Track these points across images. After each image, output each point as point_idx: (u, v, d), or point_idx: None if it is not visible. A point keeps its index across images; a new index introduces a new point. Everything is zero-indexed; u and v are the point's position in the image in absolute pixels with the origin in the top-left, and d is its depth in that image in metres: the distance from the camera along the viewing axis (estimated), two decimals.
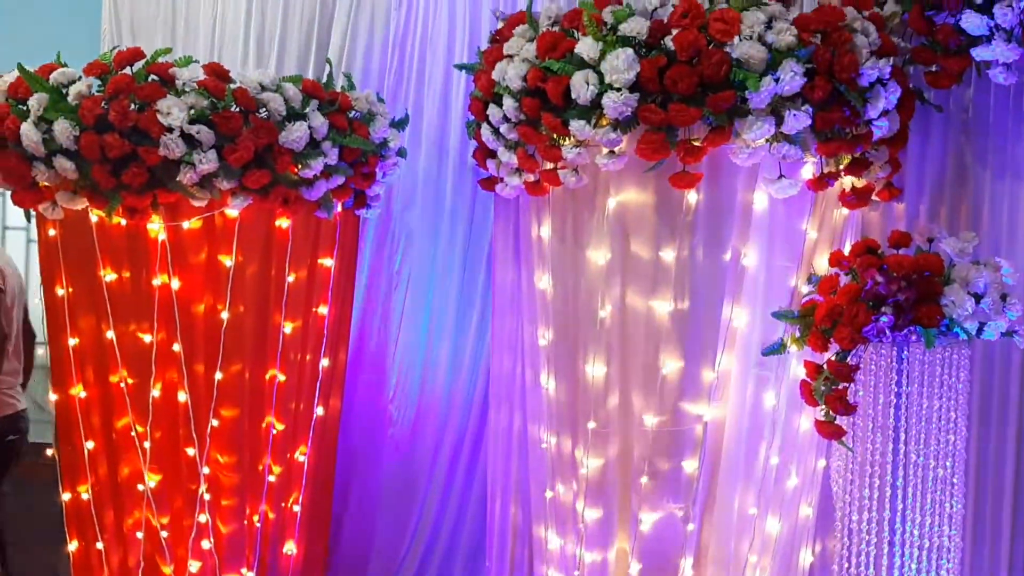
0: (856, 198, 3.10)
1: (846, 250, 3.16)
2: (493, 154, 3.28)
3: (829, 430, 3.05)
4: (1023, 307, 3.05)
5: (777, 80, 2.74)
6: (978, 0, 2.84)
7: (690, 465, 3.17)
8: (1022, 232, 3.30)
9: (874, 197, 3.25)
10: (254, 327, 3.27)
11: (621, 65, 2.77)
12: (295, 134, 3.04)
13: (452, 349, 3.74)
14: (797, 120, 2.80)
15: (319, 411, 3.48)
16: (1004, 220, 3.32)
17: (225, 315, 3.22)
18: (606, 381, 3.19)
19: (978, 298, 2.93)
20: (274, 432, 3.38)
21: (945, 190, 3.35)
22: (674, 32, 2.77)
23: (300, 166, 3.10)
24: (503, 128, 3.13)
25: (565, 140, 2.99)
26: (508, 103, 3.05)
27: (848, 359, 3.00)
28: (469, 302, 3.74)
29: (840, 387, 3.01)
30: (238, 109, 3.03)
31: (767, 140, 2.87)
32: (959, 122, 3.33)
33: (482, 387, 3.71)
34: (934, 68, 3.10)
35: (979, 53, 2.95)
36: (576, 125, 2.90)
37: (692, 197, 3.04)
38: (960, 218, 3.34)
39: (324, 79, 3.44)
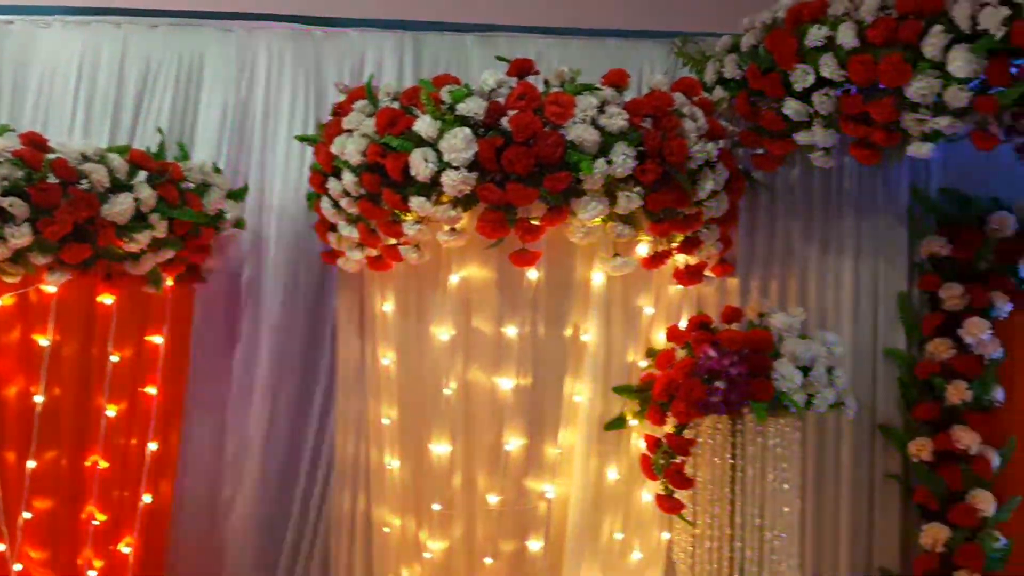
0: (689, 275, 3.19)
1: (682, 325, 3.25)
2: (334, 228, 3.21)
3: (668, 504, 3.09)
4: (849, 379, 3.21)
5: (610, 162, 2.80)
6: (798, 88, 2.99)
7: (535, 544, 3.12)
8: (847, 306, 3.46)
9: (708, 273, 3.35)
10: (72, 411, 3.06)
11: (459, 144, 2.78)
12: (119, 206, 2.89)
13: (292, 428, 3.58)
14: (629, 201, 2.86)
15: (147, 499, 3.26)
16: (829, 295, 3.47)
17: (39, 398, 3.00)
18: (450, 460, 3.13)
19: (806, 371, 3.05)
20: (95, 523, 3.14)
21: (775, 266, 3.48)
22: (511, 113, 2.80)
23: (125, 239, 2.95)
24: (343, 202, 3.07)
25: (406, 216, 2.96)
26: (348, 177, 3.00)
27: (685, 433, 3.06)
28: (313, 379, 3.59)
29: (678, 460, 3.06)
30: (57, 180, 2.86)
31: (602, 220, 2.93)
32: (786, 201, 3.48)
33: (324, 468, 3.56)
34: (761, 151, 3.25)
35: (800, 137, 3.11)
36: (416, 202, 2.87)
37: (533, 274, 3.05)
38: (789, 293, 3.47)
39: (156, 148, 3.29)
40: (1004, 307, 3.35)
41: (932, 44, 2.71)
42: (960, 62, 2.66)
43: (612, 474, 3.21)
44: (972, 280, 3.34)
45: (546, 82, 2.93)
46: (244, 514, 3.51)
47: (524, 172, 2.79)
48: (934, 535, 3.28)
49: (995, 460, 3.32)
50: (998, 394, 3.34)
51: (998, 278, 3.34)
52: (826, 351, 3.12)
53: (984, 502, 3.26)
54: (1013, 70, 2.62)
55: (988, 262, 3.34)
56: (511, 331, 3.07)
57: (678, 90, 3.04)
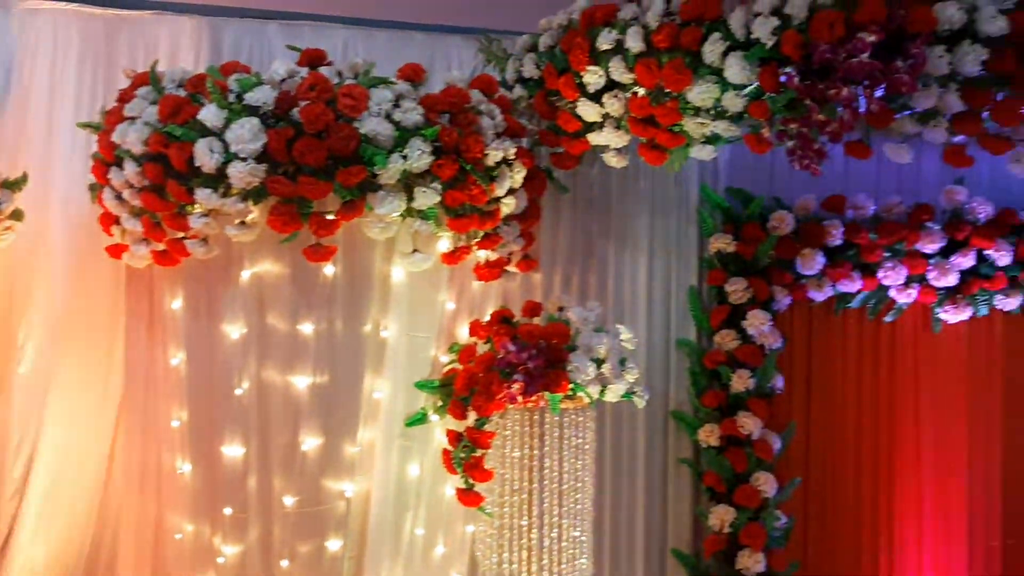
0: (489, 270, 3.22)
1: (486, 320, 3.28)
2: (118, 221, 3.03)
3: (468, 497, 3.11)
4: (643, 370, 3.34)
5: (405, 157, 2.79)
6: (591, 89, 3.08)
7: (334, 544, 3.07)
8: (642, 300, 3.60)
9: (512, 268, 3.40)
10: None
11: (246, 134, 2.69)
12: None
13: (79, 433, 3.35)
14: (427, 197, 2.86)
15: None
16: (626, 289, 3.60)
17: None
18: (244, 462, 3.03)
19: (600, 363, 3.15)
20: None
21: (576, 262, 3.57)
22: (302, 104, 2.74)
23: None
24: (126, 194, 2.91)
25: (192, 209, 2.83)
26: (130, 168, 2.84)
27: (485, 426, 3.09)
28: (98, 380, 3.37)
29: (478, 454, 3.09)
30: None
31: (400, 215, 2.91)
32: (586, 198, 3.58)
33: (116, 474, 3.36)
34: (559, 150, 3.33)
35: (594, 138, 3.20)
36: (202, 194, 2.76)
37: (329, 269, 3.00)
38: (590, 288, 3.57)
39: None
40: (784, 300, 3.58)
41: (711, 51, 2.84)
42: (735, 69, 2.80)
43: (414, 470, 3.20)
44: (755, 275, 3.55)
45: (339, 73, 2.88)
46: (28, 526, 3.26)
47: (316, 165, 2.73)
48: (721, 516, 3.46)
49: (777, 444, 3.55)
50: (778, 382, 3.58)
51: (779, 273, 3.56)
52: (619, 343, 3.24)
53: (766, 483, 3.48)
54: (783, 78, 2.78)
55: (770, 258, 3.56)
56: (307, 328, 3.01)
57: (476, 87, 3.07)
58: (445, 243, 3.09)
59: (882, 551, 3.69)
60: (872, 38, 2.64)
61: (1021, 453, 3.80)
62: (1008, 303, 3.71)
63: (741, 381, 3.49)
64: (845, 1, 2.68)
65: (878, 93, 2.73)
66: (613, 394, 3.17)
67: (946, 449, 3.74)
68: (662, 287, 3.62)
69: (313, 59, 2.85)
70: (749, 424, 3.47)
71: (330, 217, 2.83)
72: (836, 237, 3.53)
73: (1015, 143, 2.92)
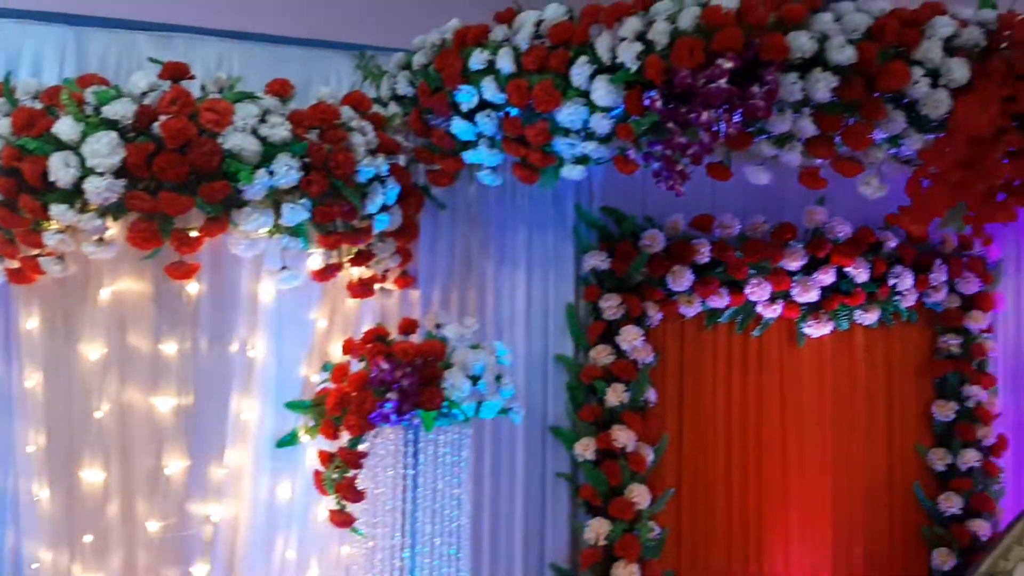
0: (362, 288, 3.20)
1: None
2: None
3: (340, 518, 3.07)
4: (520, 386, 3.37)
5: (272, 173, 2.75)
6: (464, 108, 3.10)
7: (200, 570, 2.99)
8: (521, 317, 3.63)
9: (390, 286, 3.39)
10: None
11: (103, 149, 2.60)
12: None
13: None
14: (295, 213, 2.82)
15: None
16: (505, 305, 3.63)
17: None
18: (104, 487, 2.92)
19: (476, 380, 3.16)
20: None
21: (455, 278, 3.58)
22: (163, 118, 2.67)
23: None
24: None
25: (47, 225, 2.73)
26: None
27: (359, 446, 3.06)
28: None
29: (350, 474, 3.06)
30: None
31: (268, 232, 2.86)
32: (465, 216, 3.60)
33: None
34: (435, 167, 3.34)
35: (468, 156, 3.22)
36: (57, 210, 2.66)
37: (194, 288, 2.93)
38: (469, 304, 3.59)
39: None
40: (656, 316, 3.68)
41: (578, 74, 2.91)
42: (601, 91, 2.87)
43: (285, 492, 3.15)
44: (629, 291, 3.63)
45: (203, 87, 2.83)
46: None
47: (178, 180, 2.67)
48: (596, 529, 3.52)
49: (650, 456, 3.63)
50: (651, 395, 3.66)
51: (651, 289, 3.65)
52: (495, 360, 3.26)
53: (640, 495, 3.55)
54: (647, 101, 2.86)
55: (642, 275, 3.64)
56: (170, 348, 2.93)
57: (347, 103, 3.05)
58: (316, 260, 3.05)
59: (751, 558, 3.81)
60: (729, 65, 2.75)
61: (880, 461, 3.98)
62: (867, 318, 3.89)
63: (616, 395, 3.56)
64: (704, 29, 2.79)
65: (736, 117, 2.85)
66: (490, 410, 3.19)
67: (811, 458, 3.89)
68: (540, 304, 3.67)
69: (175, 72, 2.78)
70: (623, 437, 3.54)
71: (193, 234, 2.76)
72: (704, 255, 3.64)
73: (865, 166, 3.08)
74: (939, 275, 3.92)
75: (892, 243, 3.87)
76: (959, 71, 2.85)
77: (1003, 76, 2.85)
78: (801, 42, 2.80)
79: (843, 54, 2.80)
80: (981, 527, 3.91)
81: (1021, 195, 3.07)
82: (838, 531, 3.90)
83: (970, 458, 3.95)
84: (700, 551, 3.77)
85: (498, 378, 3.24)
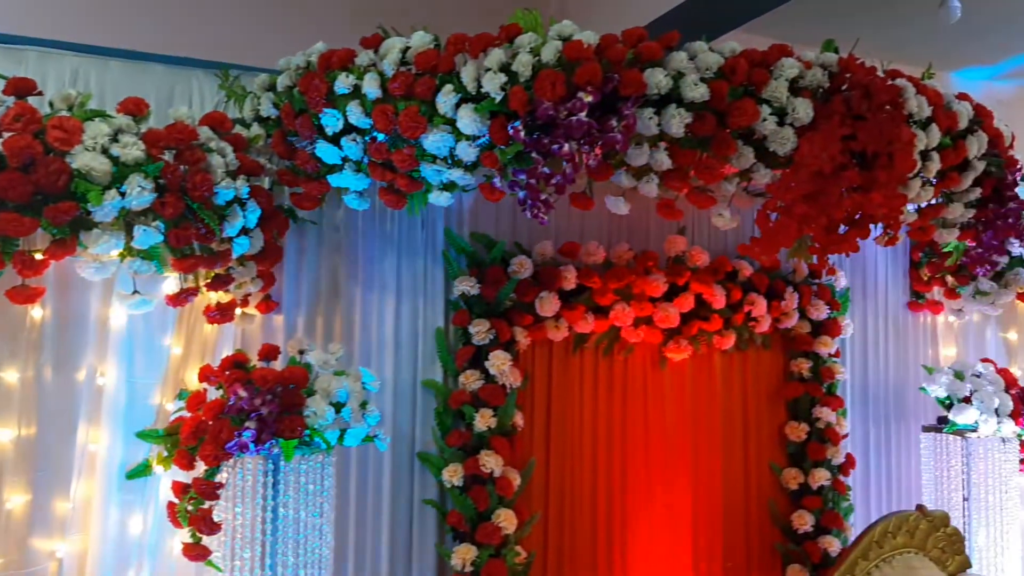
0: (220, 313, 3.12)
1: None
2: None
3: (195, 552, 2.97)
4: (388, 412, 3.33)
5: (123, 194, 2.66)
6: (329, 131, 3.08)
7: None
8: (390, 342, 3.61)
9: (251, 311, 3.31)
10: None
11: None
12: None
13: None
14: (147, 236, 2.73)
15: None
16: (373, 331, 3.60)
17: None
18: None
19: (339, 407, 3.12)
20: None
21: (321, 303, 3.53)
22: (5, 136, 2.54)
23: None
24: None
25: None
26: None
27: (215, 477, 2.96)
28: None
29: (206, 506, 2.96)
30: None
31: (119, 254, 2.76)
32: (333, 240, 3.55)
33: None
34: (299, 190, 3.29)
35: (334, 180, 3.20)
36: None
37: (37, 312, 2.79)
38: (335, 330, 3.54)
39: None
40: (524, 341, 3.71)
41: (444, 102, 2.93)
42: (467, 120, 2.90)
43: (137, 525, 3.02)
44: (497, 316, 3.66)
45: (51, 104, 2.71)
46: None
47: (22, 200, 2.54)
48: (463, 555, 3.51)
49: (517, 480, 3.65)
50: (519, 420, 3.69)
51: (519, 314, 3.69)
52: (361, 387, 3.23)
53: (507, 520, 3.56)
54: (511, 131, 2.91)
55: (511, 300, 3.68)
56: (11, 376, 2.77)
57: (206, 124, 2.98)
58: (171, 284, 2.95)
59: None
60: (589, 99, 2.83)
61: (738, 480, 4.13)
62: (724, 342, 4.04)
63: (484, 420, 3.58)
64: (566, 63, 2.86)
65: (596, 149, 2.93)
66: (354, 438, 3.15)
67: (673, 478, 4.00)
68: (409, 328, 3.65)
69: (20, 88, 2.66)
70: (491, 462, 3.56)
71: (38, 256, 2.63)
72: (571, 281, 3.71)
73: (717, 199, 3.22)
74: (790, 302, 4.12)
75: (747, 272, 4.05)
76: (803, 110, 3.02)
77: (843, 116, 3.04)
78: (657, 79, 2.91)
79: (696, 91, 2.93)
80: (831, 544, 4.10)
81: (862, 228, 3.27)
82: (698, 548, 4.02)
83: (820, 477, 4.15)
84: (566, 573, 3.80)
85: (363, 405, 3.21)
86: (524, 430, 3.73)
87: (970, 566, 3.99)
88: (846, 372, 4.33)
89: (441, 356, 3.67)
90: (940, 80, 3.65)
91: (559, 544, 3.80)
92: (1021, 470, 4.34)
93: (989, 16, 4.63)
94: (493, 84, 2.90)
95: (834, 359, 4.27)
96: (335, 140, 3.09)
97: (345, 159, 3.13)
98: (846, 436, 4.26)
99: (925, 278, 4.53)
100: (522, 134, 2.86)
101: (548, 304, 3.69)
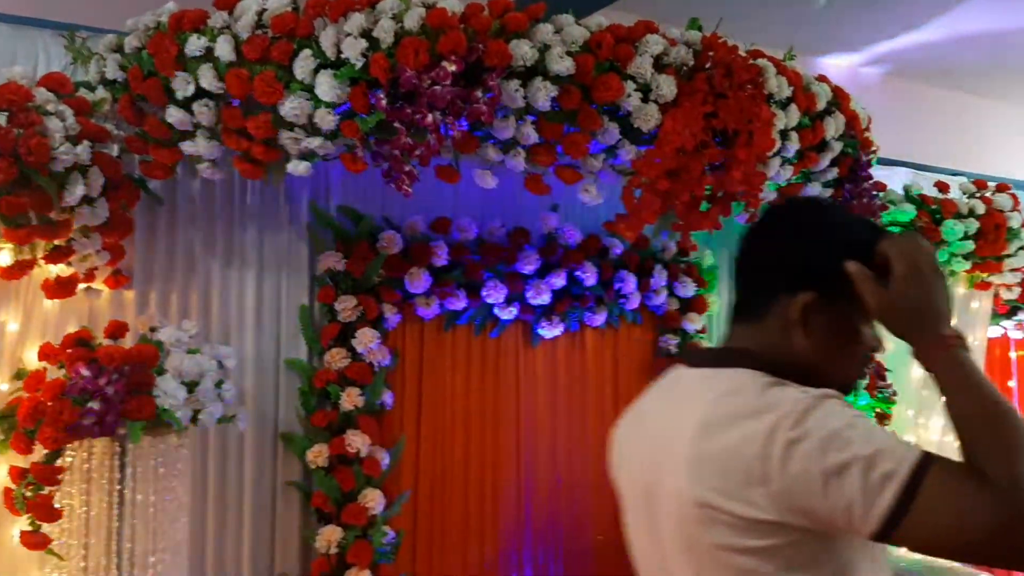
0: (60, 287, 2.93)
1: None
2: None
3: (34, 540, 2.79)
4: (250, 391, 3.20)
5: None
6: (180, 96, 2.92)
7: None
8: (250, 319, 3.47)
9: (98, 285, 3.12)
10: None
11: None
12: None
13: None
14: None
15: None
16: (233, 308, 3.45)
17: None
18: None
19: (192, 386, 2.98)
20: None
21: (176, 278, 3.36)
22: None
23: None
24: None
25: None
26: None
27: (56, 461, 2.79)
28: None
29: (46, 492, 2.78)
30: None
31: None
32: (188, 211, 3.39)
33: None
34: (148, 158, 3.12)
35: (186, 148, 3.04)
36: None
37: None
38: (192, 306, 3.38)
39: None
40: (393, 318, 3.64)
41: (302, 67, 2.82)
42: (325, 87, 2.80)
43: None
44: (365, 293, 3.57)
45: None
46: None
47: None
48: (328, 537, 3.42)
49: (385, 460, 3.58)
50: (388, 398, 3.62)
51: (388, 291, 3.61)
52: (216, 365, 3.09)
53: (373, 500, 3.49)
54: (372, 99, 2.82)
55: (379, 276, 3.60)
56: None
57: (44, 85, 2.78)
58: (4, 257, 2.75)
59: (487, 554, 3.86)
60: (453, 68, 2.77)
61: (604, 444, 4.17)
62: (595, 319, 4.07)
63: (350, 399, 3.49)
64: (429, 31, 2.79)
65: (461, 121, 2.87)
66: (208, 419, 3.01)
67: (545, 454, 4.02)
68: (272, 305, 3.52)
69: None
70: (357, 442, 3.48)
71: None
72: (442, 257, 3.66)
73: (584, 174, 3.22)
74: (659, 280, 4.18)
75: (618, 249, 4.08)
76: (667, 87, 3.04)
77: (705, 94, 3.08)
78: (523, 50, 2.87)
79: (562, 64, 2.90)
80: None
81: (724, 205, 3.33)
82: (569, 523, 4.05)
83: None
84: (436, 552, 3.77)
85: (219, 384, 3.07)
86: (394, 408, 3.67)
87: None
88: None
89: (305, 334, 3.56)
90: (808, 64, 3.76)
91: (430, 522, 3.76)
92: None
93: (855, 2, 4.78)
94: (354, 50, 2.80)
95: (701, 335, 4.36)
96: (186, 105, 2.94)
97: (197, 125, 2.98)
98: None
99: None
100: (384, 102, 2.78)
101: (418, 280, 3.62)
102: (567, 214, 4.00)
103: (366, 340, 3.52)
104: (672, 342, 4.29)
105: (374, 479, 3.53)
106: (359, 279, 3.56)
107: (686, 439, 1.34)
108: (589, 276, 3.95)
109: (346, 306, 3.52)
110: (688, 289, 4.29)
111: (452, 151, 3.05)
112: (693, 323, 4.32)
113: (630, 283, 4.09)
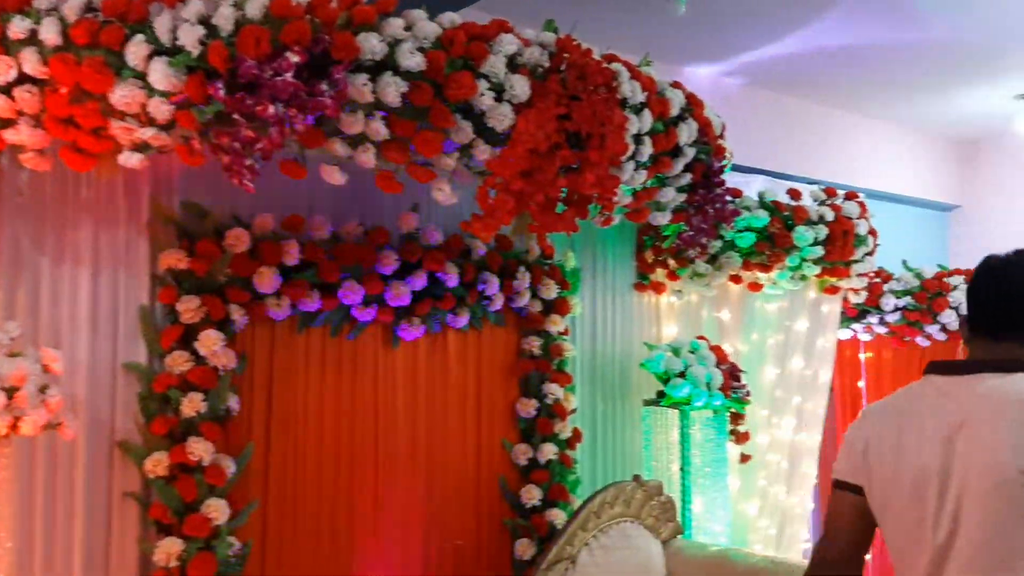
0: None
1: None
2: None
3: None
4: (81, 396, 3.00)
5: None
6: (1, 81, 2.71)
7: None
8: (84, 320, 3.26)
9: None
10: None
11: None
12: None
13: None
14: None
15: None
16: (65, 307, 3.24)
17: None
18: None
19: (12, 392, 2.77)
20: None
21: (2, 276, 3.13)
22: None
23: None
24: None
25: None
26: None
27: None
28: None
29: None
30: None
31: None
32: (15, 206, 3.15)
33: None
34: None
35: (9, 136, 2.83)
36: None
37: None
38: (17, 306, 3.15)
39: None
40: (241, 319, 3.49)
41: (134, 53, 2.66)
42: (159, 75, 2.65)
43: None
44: (210, 293, 3.41)
45: None
46: None
47: None
48: (167, 550, 3.24)
49: (231, 468, 3.43)
50: (234, 403, 3.47)
51: (235, 291, 3.46)
52: (40, 369, 2.89)
53: (217, 511, 3.33)
54: (211, 89, 2.69)
55: (225, 276, 3.44)
56: None
57: None
58: None
59: (342, 562, 3.76)
60: (296, 59, 2.67)
61: (470, 459, 4.14)
62: (458, 321, 4.02)
63: (192, 405, 3.32)
64: (272, 20, 2.68)
65: (308, 115, 2.77)
66: (29, 426, 2.81)
67: (404, 460, 3.94)
68: (108, 305, 3.32)
69: None
70: (200, 450, 3.31)
71: None
72: (293, 256, 3.53)
73: (437, 173, 3.17)
74: (523, 281, 4.17)
75: (481, 250, 4.05)
76: (520, 87, 3.03)
77: (559, 95, 3.08)
78: (372, 44, 2.80)
79: (412, 60, 2.85)
80: (558, 516, 4.20)
81: (579, 208, 3.34)
82: (429, 530, 3.98)
83: (548, 451, 4.24)
84: (287, 562, 3.64)
85: (43, 389, 2.87)
86: (241, 414, 3.51)
87: (682, 532, 4.24)
88: (575, 349, 4.46)
89: (145, 336, 3.37)
90: (671, 73, 3.81)
91: (280, 532, 3.62)
92: (729, 440, 4.66)
93: (718, 13, 4.90)
94: (190, 37, 2.67)
95: (563, 337, 4.38)
96: (7, 91, 2.73)
97: (20, 112, 2.77)
98: (574, 411, 4.39)
99: (649, 260, 4.75)
100: (222, 93, 2.65)
101: (267, 280, 3.48)
102: (429, 214, 3.93)
103: (210, 343, 3.36)
104: (535, 343, 4.28)
105: (218, 488, 3.37)
106: (203, 278, 3.40)
107: (1007, 421, 1.80)
108: (451, 277, 3.90)
109: (189, 307, 3.35)
110: (551, 291, 4.29)
111: (297, 145, 2.94)
112: (556, 325, 4.33)
113: (493, 285, 4.06)
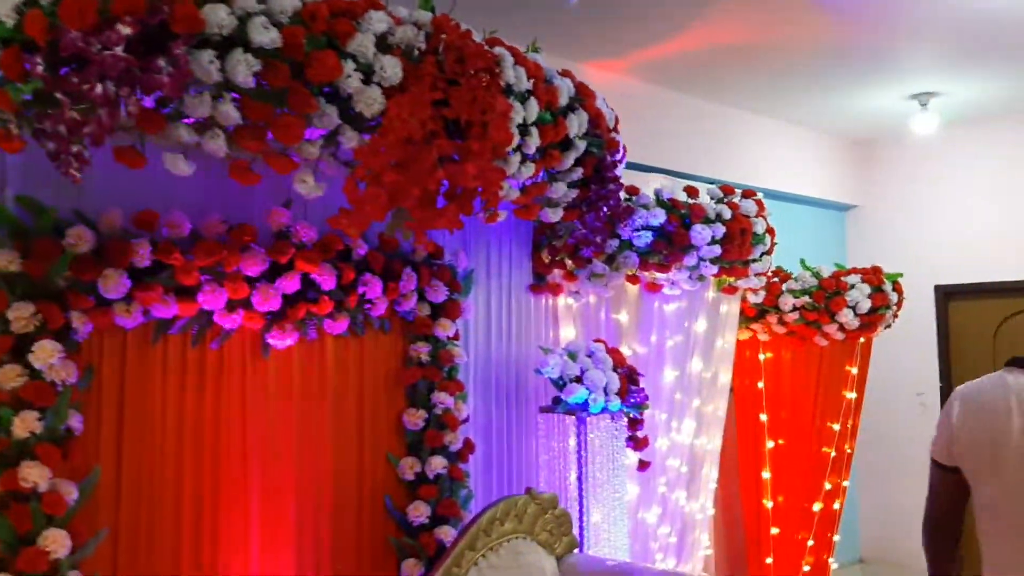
0: None
1: None
2: None
3: None
4: None
5: None
6: None
7: None
8: None
9: None
10: None
11: None
12: None
13: None
14: None
15: None
16: None
17: None
18: None
19: None
20: None
21: None
22: None
23: None
24: None
25: None
26: None
27: None
28: None
29: None
30: None
31: None
32: None
33: None
34: None
35: None
36: None
37: None
38: None
39: None
40: (84, 328, 3.11)
41: None
42: None
43: None
44: (47, 298, 3.03)
45: None
46: None
47: None
48: None
49: (73, 495, 3.05)
50: (76, 422, 3.09)
51: (77, 296, 3.09)
52: None
53: (56, 543, 2.95)
54: (28, 65, 2.34)
55: (65, 279, 3.06)
56: None
57: None
58: None
59: None
60: (128, 31, 2.34)
61: (351, 474, 3.84)
62: (336, 327, 3.72)
63: (25, 425, 2.93)
64: None
65: (147, 96, 2.45)
66: None
67: (277, 478, 3.62)
68: None
69: None
70: (34, 475, 2.93)
71: None
72: (144, 257, 3.17)
73: (299, 163, 2.87)
74: (409, 283, 3.89)
75: (361, 250, 3.75)
76: (392, 69, 2.76)
77: (435, 79, 2.82)
78: (219, 17, 2.49)
79: (266, 36, 2.56)
80: (447, 534, 3.93)
81: (463, 203, 3.08)
82: (303, 552, 3.67)
83: (437, 465, 3.97)
84: None
85: None
86: (86, 435, 3.14)
87: (577, 546, 4.02)
88: (467, 355, 4.20)
89: None
90: (571, 70, 3.58)
91: (133, 565, 3.25)
92: (628, 446, 4.48)
93: (612, 7, 4.73)
94: (3, 4, 2.31)
95: (454, 342, 4.12)
96: None
97: None
98: (465, 421, 4.13)
99: (546, 260, 4.54)
100: (40, 68, 2.31)
101: (113, 283, 3.11)
102: (303, 210, 3.62)
103: (46, 355, 2.97)
104: (424, 350, 4.01)
105: (57, 518, 2.99)
106: (39, 282, 3.02)
107: None
108: (327, 279, 3.59)
109: (21, 314, 2.96)
110: (440, 293, 4.03)
111: (136, 131, 2.61)
112: (446, 330, 4.06)
113: (375, 287, 3.77)
